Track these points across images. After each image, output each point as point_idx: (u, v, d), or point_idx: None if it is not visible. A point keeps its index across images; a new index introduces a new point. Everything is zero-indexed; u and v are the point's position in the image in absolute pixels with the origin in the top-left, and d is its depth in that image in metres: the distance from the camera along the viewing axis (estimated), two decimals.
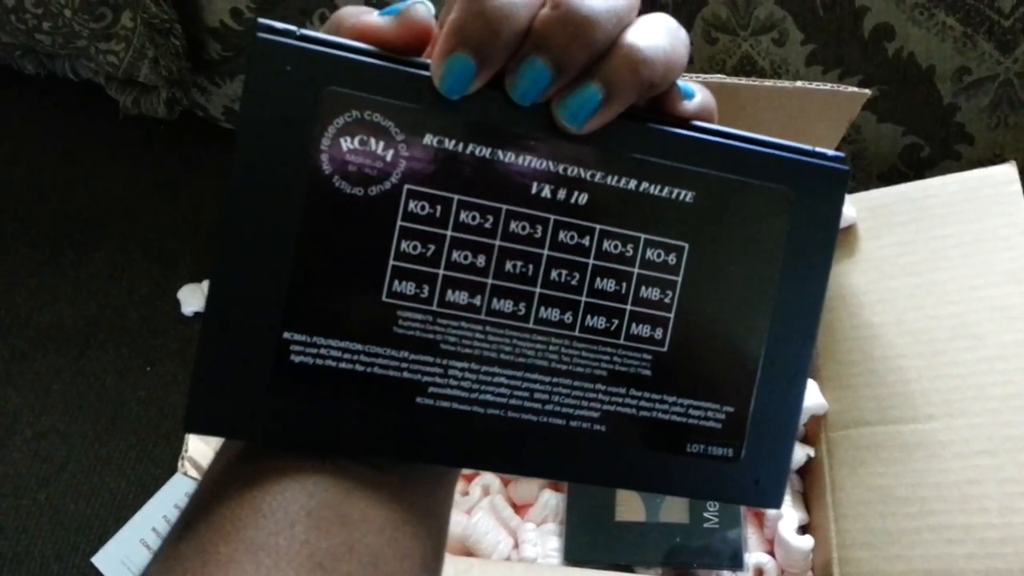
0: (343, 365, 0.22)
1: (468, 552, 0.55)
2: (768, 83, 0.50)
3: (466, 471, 0.50)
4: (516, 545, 0.55)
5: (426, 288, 0.22)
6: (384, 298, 0.22)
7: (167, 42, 0.74)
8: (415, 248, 0.22)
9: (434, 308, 0.22)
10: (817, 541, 0.52)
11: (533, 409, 0.23)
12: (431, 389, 0.22)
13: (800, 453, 0.55)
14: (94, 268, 0.82)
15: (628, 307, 0.23)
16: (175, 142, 0.89)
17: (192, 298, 0.78)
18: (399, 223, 0.21)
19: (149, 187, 0.87)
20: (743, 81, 0.51)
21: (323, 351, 0.22)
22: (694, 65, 0.67)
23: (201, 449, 0.40)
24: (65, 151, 0.90)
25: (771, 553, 0.54)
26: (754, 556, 0.53)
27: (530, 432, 0.23)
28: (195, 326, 0.80)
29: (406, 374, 0.22)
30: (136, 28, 0.75)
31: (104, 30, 0.75)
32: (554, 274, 0.22)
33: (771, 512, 0.54)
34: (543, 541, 0.55)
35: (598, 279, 0.23)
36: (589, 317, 0.23)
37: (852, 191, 0.61)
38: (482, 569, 0.50)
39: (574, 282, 0.23)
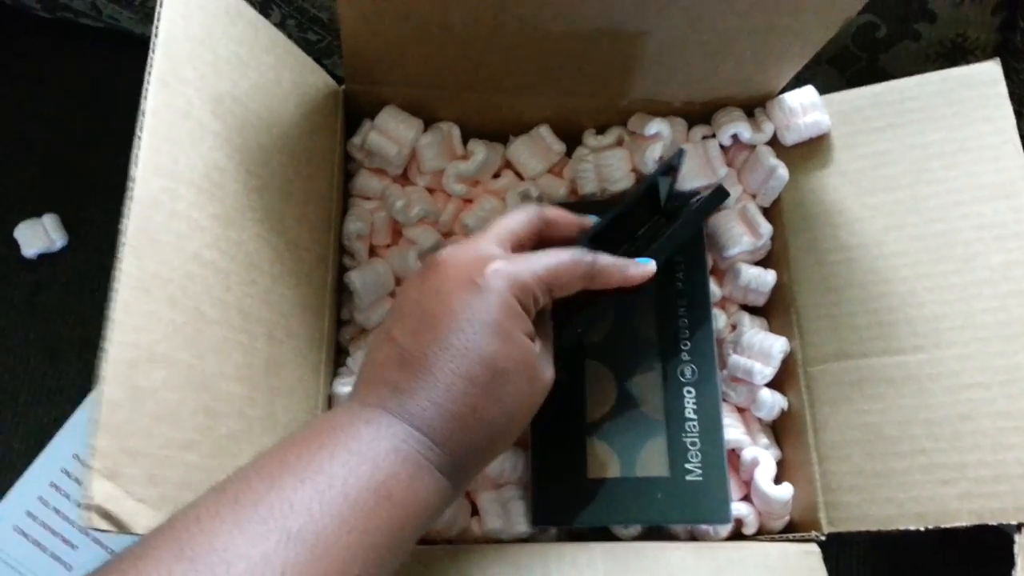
0: None
1: None
2: None
3: None
4: (474, 511, 0.50)
5: None
6: None
7: None
8: None
9: None
10: (799, 483, 0.49)
11: None
12: None
13: (773, 402, 0.51)
14: None
15: None
16: None
17: (33, 237, 0.64)
18: None
19: None
20: None
21: None
22: None
23: (108, 492, 0.31)
24: None
25: (747, 498, 0.51)
26: (733, 506, 0.49)
27: None
28: (41, 270, 0.66)
29: None
30: None
31: None
32: None
33: (746, 456, 0.50)
34: (507, 509, 0.49)
35: None
36: None
37: (807, 82, 0.55)
38: (447, 558, 0.44)
39: None
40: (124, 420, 0.31)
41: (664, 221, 0.50)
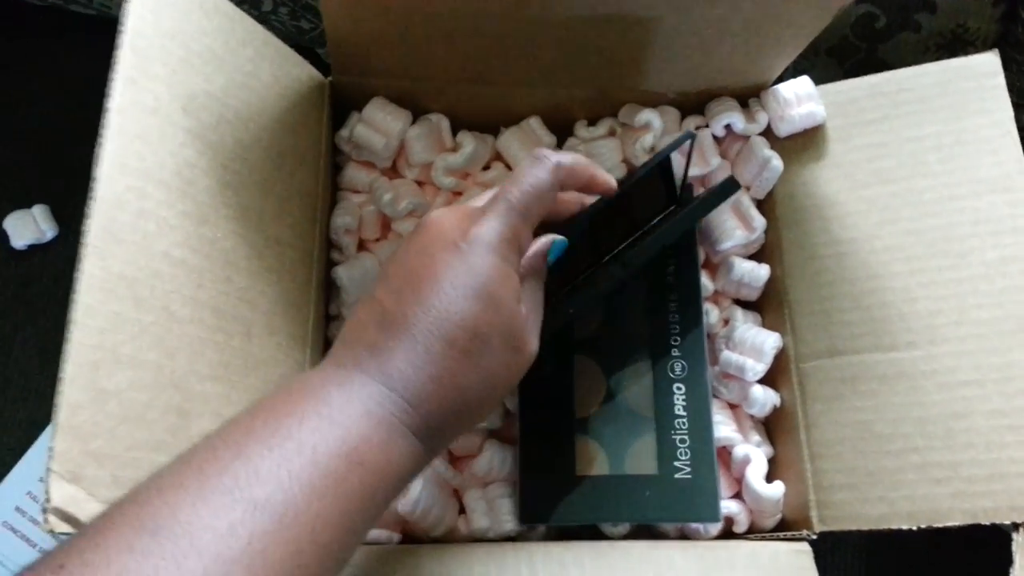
0: None
1: (405, 529, 0.48)
2: None
3: None
4: (461, 510, 0.49)
5: None
6: None
7: None
8: None
9: None
10: (791, 482, 0.49)
11: None
12: None
13: (765, 398, 0.50)
14: None
15: None
16: None
17: (23, 228, 0.64)
18: None
19: None
20: None
21: None
22: None
23: (69, 495, 0.30)
24: None
25: (738, 495, 0.50)
26: (724, 504, 0.48)
27: None
28: (31, 261, 0.66)
29: None
30: None
31: None
32: None
33: (738, 453, 0.50)
34: (494, 507, 0.48)
35: None
36: None
37: (805, 72, 0.54)
38: (433, 557, 0.43)
39: None
40: (86, 422, 0.31)
41: (678, 210, 0.49)
